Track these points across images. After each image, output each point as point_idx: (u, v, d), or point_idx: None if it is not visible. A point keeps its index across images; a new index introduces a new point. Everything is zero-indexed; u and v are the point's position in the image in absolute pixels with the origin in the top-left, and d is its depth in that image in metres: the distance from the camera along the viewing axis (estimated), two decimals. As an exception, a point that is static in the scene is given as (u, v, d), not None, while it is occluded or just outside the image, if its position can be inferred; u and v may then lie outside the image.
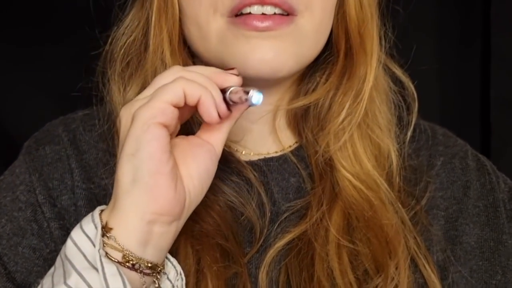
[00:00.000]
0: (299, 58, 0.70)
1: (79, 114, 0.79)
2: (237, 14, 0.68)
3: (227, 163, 0.73)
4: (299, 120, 0.76)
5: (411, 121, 0.78)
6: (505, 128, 1.10)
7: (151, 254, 0.60)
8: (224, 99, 0.62)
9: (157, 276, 0.61)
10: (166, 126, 0.59)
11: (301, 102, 0.74)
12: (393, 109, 0.78)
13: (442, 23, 1.12)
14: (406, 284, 0.67)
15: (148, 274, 0.60)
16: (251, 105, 0.61)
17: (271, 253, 0.69)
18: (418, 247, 0.70)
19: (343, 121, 0.73)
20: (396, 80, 0.79)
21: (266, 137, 0.76)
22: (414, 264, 0.69)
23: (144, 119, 0.59)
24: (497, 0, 1.08)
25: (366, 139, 0.74)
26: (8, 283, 0.69)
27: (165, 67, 0.71)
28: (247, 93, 0.60)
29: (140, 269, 0.60)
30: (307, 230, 0.70)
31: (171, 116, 0.59)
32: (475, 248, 0.73)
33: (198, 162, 0.62)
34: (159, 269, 0.61)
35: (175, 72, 0.62)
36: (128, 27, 0.75)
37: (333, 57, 0.75)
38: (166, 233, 0.61)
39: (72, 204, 0.72)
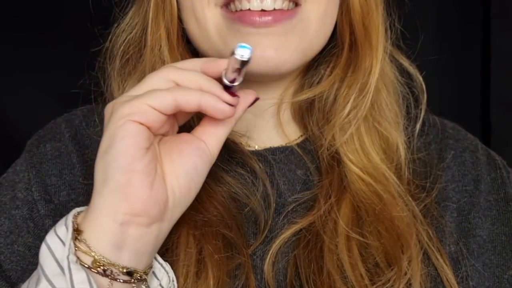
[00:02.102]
0: (303, 51, 0.69)
1: (83, 109, 0.79)
2: (234, 10, 0.67)
3: (232, 153, 0.72)
4: (304, 114, 0.75)
5: (420, 113, 0.77)
6: (505, 128, 1.09)
7: (127, 259, 0.57)
8: (226, 87, 0.59)
9: (136, 283, 0.57)
10: (146, 126, 0.56)
11: (306, 95, 0.73)
12: (401, 101, 0.77)
13: (442, 23, 1.12)
14: (419, 277, 0.65)
15: (126, 281, 0.57)
16: (245, 61, 0.56)
17: (277, 243, 0.67)
18: (430, 240, 0.69)
19: (348, 114, 0.72)
20: (403, 72, 0.78)
21: (271, 130, 0.75)
22: (426, 257, 0.68)
23: (121, 115, 0.56)
24: (497, 0, 1.08)
25: (373, 132, 0.73)
26: (2, 281, 0.68)
27: (163, 63, 0.70)
28: (237, 59, 0.56)
29: (113, 275, 0.56)
30: (315, 221, 0.68)
31: (153, 119, 0.56)
32: (487, 242, 0.72)
33: (184, 159, 0.59)
34: (139, 275, 0.58)
35: (167, 73, 0.59)
36: (128, 24, 0.74)
37: (338, 49, 0.74)
38: (145, 236, 0.57)
39: (70, 200, 0.71)
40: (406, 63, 0.78)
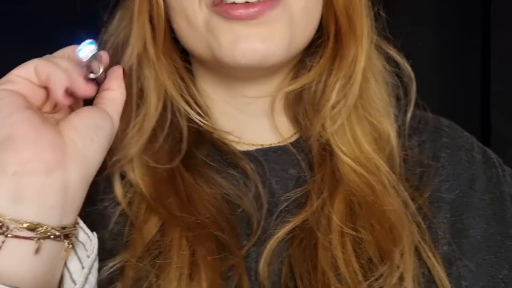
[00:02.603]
0: (290, 42, 0.69)
1: None
2: (218, 4, 0.67)
3: (223, 155, 0.72)
4: (295, 108, 0.75)
5: (410, 101, 0.77)
6: (505, 128, 1.09)
7: (31, 213, 0.54)
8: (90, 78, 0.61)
9: (43, 239, 0.54)
10: (19, 93, 0.58)
11: (292, 86, 0.73)
12: (390, 91, 0.77)
13: (442, 22, 1.12)
14: (412, 272, 0.65)
15: (30, 238, 0.54)
16: (88, 57, 0.61)
17: (271, 244, 0.67)
18: (421, 235, 0.69)
19: (338, 102, 0.72)
20: (391, 61, 0.78)
21: (265, 129, 0.75)
22: (417, 253, 0.68)
23: None
24: (497, 0, 1.08)
25: (364, 122, 0.73)
26: None
27: (148, 62, 0.71)
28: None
29: (8, 231, 0.53)
30: (308, 219, 0.68)
31: (22, 86, 0.58)
32: (481, 242, 0.72)
33: (80, 115, 0.60)
34: (45, 229, 0.55)
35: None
36: (116, 28, 0.75)
37: (324, 39, 0.74)
38: (47, 186, 0.55)
39: None
40: (393, 52, 0.78)
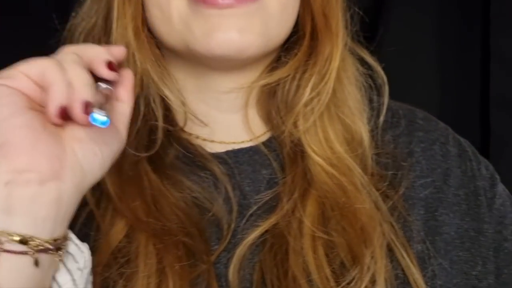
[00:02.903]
0: (267, 37, 0.68)
1: None
2: None
3: (192, 157, 0.70)
4: (268, 105, 0.74)
5: (383, 105, 0.76)
6: (504, 128, 1.09)
7: (22, 224, 0.51)
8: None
9: (36, 253, 0.52)
10: (20, 91, 0.53)
11: (265, 80, 0.72)
12: (363, 92, 0.76)
13: (441, 23, 1.12)
14: (384, 274, 0.64)
15: (22, 252, 0.51)
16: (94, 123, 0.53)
17: (240, 249, 0.65)
18: (395, 235, 0.68)
19: (311, 100, 0.71)
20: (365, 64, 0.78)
21: (236, 126, 0.74)
22: (391, 254, 0.67)
23: None
24: (497, 0, 1.08)
25: (337, 123, 0.72)
26: None
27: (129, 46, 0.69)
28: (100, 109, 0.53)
29: (2, 244, 0.51)
30: (278, 223, 0.66)
31: (25, 86, 0.53)
32: (455, 239, 0.71)
33: (87, 128, 0.55)
34: (38, 243, 0.52)
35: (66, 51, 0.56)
36: (87, 13, 0.72)
37: (299, 36, 0.73)
38: (40, 196, 0.52)
39: None
40: (366, 55, 0.77)
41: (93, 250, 0.62)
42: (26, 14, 0.98)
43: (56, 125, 0.54)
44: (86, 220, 0.66)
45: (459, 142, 0.78)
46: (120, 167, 0.66)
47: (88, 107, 0.53)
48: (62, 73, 0.53)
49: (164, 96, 0.70)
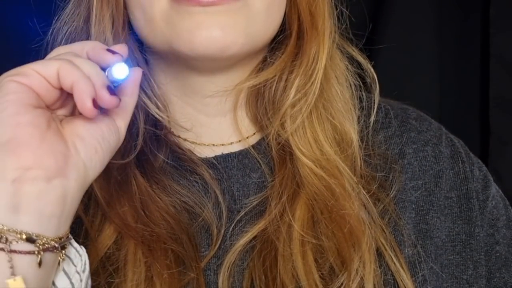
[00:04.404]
0: (251, 36, 0.67)
1: None
2: None
3: (181, 162, 0.70)
4: (256, 107, 0.73)
5: (374, 104, 0.75)
6: (504, 128, 1.09)
7: (28, 222, 0.52)
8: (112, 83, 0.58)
9: (43, 252, 0.52)
10: (31, 89, 0.54)
11: (250, 82, 0.71)
12: (353, 92, 0.75)
13: (441, 23, 1.11)
14: (373, 279, 0.64)
15: (29, 252, 0.51)
16: (117, 81, 0.57)
17: (230, 255, 0.65)
18: (385, 239, 0.67)
19: (298, 101, 0.70)
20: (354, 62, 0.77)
21: (224, 128, 0.73)
22: (381, 259, 0.66)
23: (5, 75, 0.54)
24: (497, 0, 1.07)
25: (326, 123, 0.71)
26: None
27: None
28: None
29: (9, 243, 0.50)
30: (267, 228, 0.66)
31: (37, 83, 0.54)
32: (446, 242, 0.70)
33: (86, 124, 0.56)
34: (45, 241, 0.52)
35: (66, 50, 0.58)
36: (69, 15, 0.72)
37: (286, 36, 0.72)
38: (46, 194, 0.52)
39: None
40: (356, 53, 0.76)
41: None
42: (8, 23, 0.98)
43: (90, 118, 0.56)
44: (74, 226, 0.65)
45: (452, 142, 0.77)
46: (108, 171, 0.66)
47: (112, 91, 0.55)
48: (79, 69, 0.55)
49: (142, 103, 0.70)
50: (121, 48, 0.60)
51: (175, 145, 0.71)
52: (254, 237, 0.66)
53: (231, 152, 0.72)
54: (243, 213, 0.68)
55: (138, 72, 0.61)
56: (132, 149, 0.68)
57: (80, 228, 0.66)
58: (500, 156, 1.09)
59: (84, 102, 0.54)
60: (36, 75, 0.54)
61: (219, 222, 0.67)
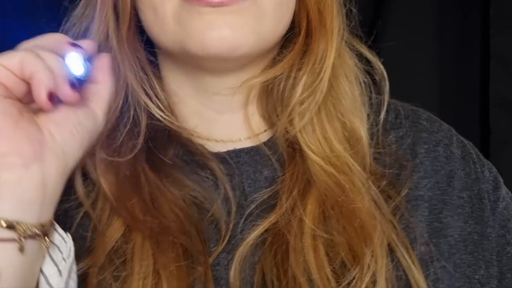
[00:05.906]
0: (260, 35, 0.67)
1: None
2: None
3: (193, 156, 0.69)
4: (266, 105, 0.73)
5: (384, 101, 0.75)
6: (504, 128, 1.10)
7: (9, 209, 0.53)
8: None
9: (24, 239, 0.52)
10: (1, 83, 0.55)
11: (258, 79, 0.71)
12: (363, 90, 0.75)
13: (441, 23, 1.12)
14: (385, 273, 0.63)
15: (9, 240, 0.52)
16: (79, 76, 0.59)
17: (241, 250, 0.64)
18: (396, 235, 0.67)
19: (307, 98, 0.70)
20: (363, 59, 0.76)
21: (234, 125, 0.73)
22: (392, 254, 0.66)
23: None
24: (497, 0, 1.08)
25: (335, 121, 0.71)
26: None
27: (110, 50, 0.68)
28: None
29: None
30: (278, 221, 0.65)
31: (3, 75, 0.55)
32: (458, 242, 0.70)
33: (60, 110, 0.58)
34: (26, 227, 0.53)
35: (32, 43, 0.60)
36: (78, 17, 0.72)
37: (295, 34, 0.72)
38: (25, 180, 0.54)
39: None
40: (365, 50, 0.76)
41: (89, 251, 0.63)
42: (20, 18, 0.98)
43: (45, 110, 0.56)
44: (81, 222, 0.66)
45: (463, 144, 0.77)
46: (117, 167, 0.66)
47: (74, 86, 0.57)
48: (42, 61, 0.55)
49: (144, 103, 0.70)
50: (87, 43, 0.61)
51: (186, 140, 0.70)
52: (265, 231, 0.66)
53: (243, 148, 0.71)
54: (253, 206, 0.68)
55: (105, 59, 0.63)
56: (140, 149, 0.68)
57: (88, 223, 0.66)
58: (500, 156, 1.09)
59: (39, 94, 0.55)
60: (1, 67, 0.55)
61: (228, 217, 0.67)
